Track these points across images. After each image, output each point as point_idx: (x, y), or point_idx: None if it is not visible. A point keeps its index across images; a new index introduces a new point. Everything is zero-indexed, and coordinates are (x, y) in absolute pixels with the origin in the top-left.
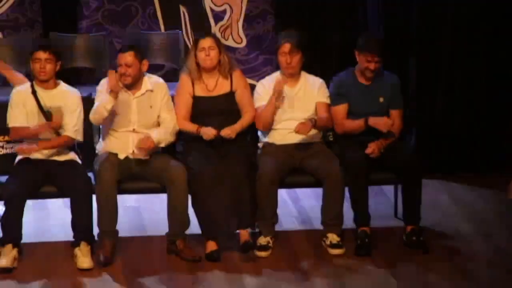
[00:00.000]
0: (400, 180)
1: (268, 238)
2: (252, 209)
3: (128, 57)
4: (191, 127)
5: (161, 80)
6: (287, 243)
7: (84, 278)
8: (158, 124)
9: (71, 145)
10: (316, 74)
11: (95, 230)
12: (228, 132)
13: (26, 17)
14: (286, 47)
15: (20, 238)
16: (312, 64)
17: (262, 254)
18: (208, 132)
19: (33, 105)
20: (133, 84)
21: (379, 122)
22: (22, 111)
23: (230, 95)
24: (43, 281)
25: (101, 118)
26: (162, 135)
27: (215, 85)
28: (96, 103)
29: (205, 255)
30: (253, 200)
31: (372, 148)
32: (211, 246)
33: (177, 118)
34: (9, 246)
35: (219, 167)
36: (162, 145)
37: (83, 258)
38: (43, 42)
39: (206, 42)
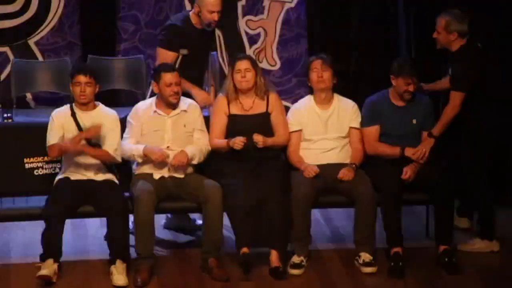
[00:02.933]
0: (432, 200)
1: (301, 258)
2: (285, 230)
3: (176, 76)
4: (221, 143)
5: (194, 102)
6: (320, 262)
7: None
8: (191, 143)
9: (108, 166)
10: (348, 97)
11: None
12: (260, 138)
13: (66, 41)
14: (317, 63)
15: (60, 254)
16: (344, 87)
17: (295, 272)
18: (237, 141)
19: (72, 127)
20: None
21: (415, 151)
22: (60, 132)
23: (266, 115)
24: None
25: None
26: (196, 152)
27: (251, 106)
28: (128, 139)
29: (239, 263)
30: (287, 220)
31: (408, 174)
32: (244, 250)
33: (210, 137)
34: (50, 260)
35: (255, 184)
36: (195, 162)
37: (118, 275)
38: (83, 65)
39: (242, 64)
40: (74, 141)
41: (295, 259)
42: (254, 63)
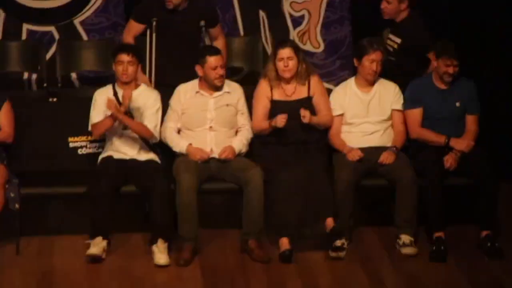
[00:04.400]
0: (475, 185)
1: (343, 240)
2: (327, 213)
3: (221, 59)
4: (264, 125)
5: (237, 84)
6: (361, 245)
7: (161, 273)
8: (233, 124)
9: (151, 145)
10: (390, 79)
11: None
12: (307, 113)
13: (110, 21)
14: (378, 55)
15: (108, 231)
16: (388, 69)
17: (337, 254)
18: (279, 119)
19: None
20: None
21: (461, 145)
22: (102, 112)
23: (308, 100)
24: (122, 271)
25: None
26: (242, 145)
27: (293, 91)
28: (168, 123)
29: (278, 255)
30: (330, 203)
31: (449, 163)
32: (285, 245)
33: (253, 121)
34: (99, 238)
35: (297, 168)
36: (242, 154)
37: (160, 254)
38: (125, 45)
39: (285, 53)
40: (117, 109)
41: (337, 242)
42: (296, 50)
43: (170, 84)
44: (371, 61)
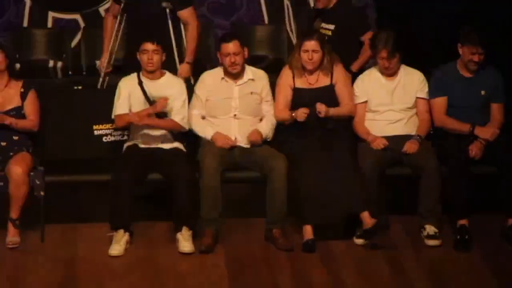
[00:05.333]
0: (500, 173)
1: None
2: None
3: (234, 46)
4: (285, 115)
5: (262, 71)
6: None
7: (185, 262)
8: (258, 112)
9: (176, 134)
10: (417, 67)
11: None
12: (323, 107)
13: None
14: (384, 52)
15: (130, 223)
16: (413, 57)
17: (361, 241)
18: (299, 112)
19: (139, 95)
20: (239, 73)
21: (486, 133)
22: (127, 101)
23: (330, 87)
24: (145, 259)
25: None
26: (269, 130)
27: (316, 80)
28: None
29: (302, 244)
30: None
31: (474, 151)
32: (308, 234)
33: (275, 109)
34: (121, 231)
35: (322, 155)
36: (268, 139)
37: (185, 242)
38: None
39: (310, 45)
40: (141, 115)
41: (361, 230)
42: (322, 43)
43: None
44: (380, 58)
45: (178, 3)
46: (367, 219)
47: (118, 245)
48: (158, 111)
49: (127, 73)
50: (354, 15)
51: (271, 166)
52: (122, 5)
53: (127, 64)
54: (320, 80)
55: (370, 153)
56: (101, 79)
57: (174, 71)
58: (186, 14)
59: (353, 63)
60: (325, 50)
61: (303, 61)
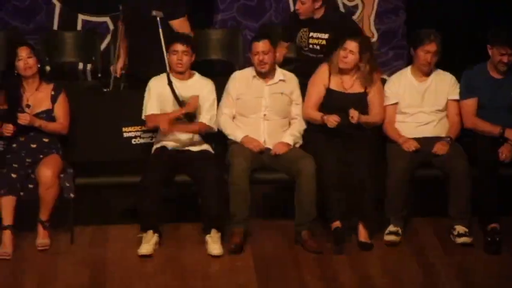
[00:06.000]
0: None
1: (397, 227)
2: (375, 204)
3: (264, 45)
4: (316, 116)
5: (292, 74)
6: (414, 234)
7: (213, 263)
8: (287, 113)
9: (204, 136)
10: (445, 69)
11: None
12: (356, 114)
13: None
14: (433, 46)
15: (158, 223)
16: (443, 60)
17: (392, 238)
18: (331, 119)
19: (168, 95)
20: (269, 72)
21: None
22: (157, 101)
23: (363, 95)
24: (173, 261)
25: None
26: (297, 138)
27: (351, 85)
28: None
29: (332, 233)
30: (377, 194)
31: (504, 154)
32: (336, 224)
33: (305, 106)
34: (150, 232)
35: (346, 158)
36: (297, 145)
37: (214, 245)
38: (180, 35)
39: (350, 45)
40: (169, 124)
41: (391, 228)
42: (363, 47)
43: (133, 74)
44: (425, 52)
45: (169, 13)
46: (362, 231)
47: (148, 245)
48: (190, 111)
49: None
50: (346, 22)
51: (299, 169)
52: (121, 10)
53: (128, 71)
54: (355, 86)
55: (400, 154)
56: (111, 83)
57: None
58: (177, 24)
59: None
60: (364, 56)
61: (339, 58)
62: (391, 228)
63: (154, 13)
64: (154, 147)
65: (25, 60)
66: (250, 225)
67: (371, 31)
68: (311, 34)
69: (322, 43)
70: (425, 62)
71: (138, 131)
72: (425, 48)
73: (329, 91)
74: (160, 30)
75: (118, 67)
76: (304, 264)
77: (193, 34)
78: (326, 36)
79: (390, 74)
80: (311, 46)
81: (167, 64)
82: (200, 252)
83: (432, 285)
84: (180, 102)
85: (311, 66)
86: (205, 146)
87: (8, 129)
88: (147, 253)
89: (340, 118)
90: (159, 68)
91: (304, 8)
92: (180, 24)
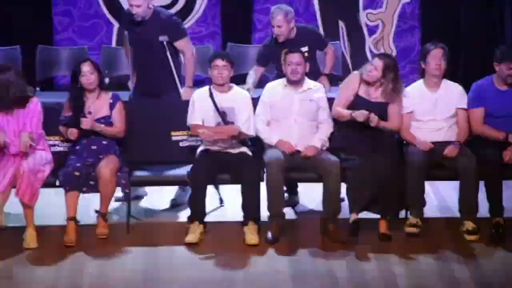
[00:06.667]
0: None
1: (417, 219)
2: (397, 199)
3: (297, 57)
4: (344, 113)
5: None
6: (429, 230)
7: (251, 253)
8: (315, 117)
9: (242, 140)
10: (457, 82)
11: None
12: (375, 118)
13: (209, 30)
14: (440, 51)
15: (204, 216)
16: (454, 73)
17: (412, 229)
18: (360, 114)
19: (210, 106)
20: (299, 81)
21: None
22: (199, 111)
23: (384, 105)
24: (219, 253)
25: None
26: (324, 142)
27: (376, 95)
28: (260, 117)
29: (350, 224)
30: (399, 191)
31: (508, 156)
32: (354, 216)
33: (334, 106)
34: (196, 223)
35: (371, 158)
36: (324, 148)
37: (251, 235)
38: (221, 51)
39: (377, 63)
40: (211, 136)
41: (412, 220)
42: (387, 68)
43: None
44: (433, 57)
45: (174, 36)
46: (382, 225)
47: (194, 234)
48: (223, 136)
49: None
50: (314, 33)
51: (326, 169)
52: (126, 34)
53: (136, 86)
54: (379, 96)
55: (417, 154)
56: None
57: (177, 95)
58: (181, 44)
59: (326, 69)
60: (388, 75)
61: (366, 71)
62: (411, 220)
63: (161, 38)
64: (199, 149)
65: (88, 76)
66: (284, 219)
67: (390, 48)
68: (290, 54)
69: (306, 55)
70: (436, 66)
71: (185, 135)
72: (433, 54)
73: (356, 97)
74: (168, 52)
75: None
76: (330, 253)
77: (193, 52)
78: (306, 48)
79: (406, 86)
80: None
81: (176, 80)
82: (240, 242)
83: (446, 273)
84: (220, 112)
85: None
86: (243, 149)
87: (73, 133)
88: (193, 241)
89: (367, 114)
90: (169, 84)
91: (283, 30)
92: (184, 44)
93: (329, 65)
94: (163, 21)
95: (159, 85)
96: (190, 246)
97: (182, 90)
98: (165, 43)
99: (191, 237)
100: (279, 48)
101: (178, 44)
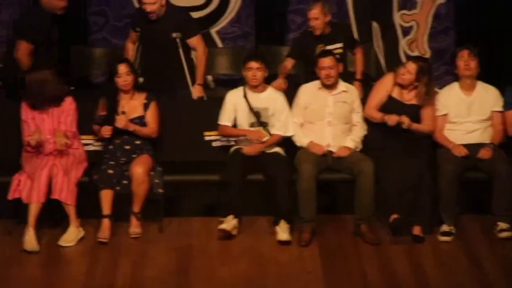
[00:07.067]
0: None
1: (451, 227)
2: (431, 205)
3: (330, 61)
4: (377, 115)
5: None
6: (464, 231)
7: (283, 252)
8: (349, 120)
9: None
10: (492, 84)
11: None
12: (406, 120)
13: (242, 30)
14: (465, 52)
15: (239, 210)
16: (489, 75)
17: (445, 238)
18: (392, 117)
19: (244, 107)
20: (333, 84)
21: None
22: (231, 112)
23: (417, 107)
24: (251, 251)
25: None
26: (357, 143)
27: (409, 97)
28: (295, 119)
29: (391, 223)
30: (433, 196)
31: None
32: (394, 216)
33: (367, 107)
34: (230, 216)
35: (405, 160)
36: (357, 149)
37: (282, 233)
38: (255, 53)
39: (410, 66)
40: (245, 135)
41: (445, 227)
42: (421, 71)
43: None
44: (461, 58)
45: (186, 33)
46: (416, 227)
47: (227, 224)
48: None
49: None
50: (350, 30)
51: (359, 169)
52: (139, 32)
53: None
54: (412, 99)
55: (450, 158)
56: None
57: (187, 92)
58: (194, 41)
59: (357, 74)
60: (422, 78)
61: (399, 74)
62: (445, 228)
63: (173, 35)
64: (232, 149)
65: (124, 77)
66: (316, 221)
67: (425, 49)
68: (328, 47)
69: (340, 51)
70: (464, 66)
71: (217, 135)
72: (460, 55)
73: (390, 98)
74: (180, 49)
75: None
76: (363, 254)
77: (206, 49)
78: (341, 45)
79: (441, 87)
80: None
81: (188, 77)
82: (273, 242)
83: (480, 275)
84: (254, 112)
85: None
86: (277, 149)
87: (107, 130)
88: (226, 229)
89: (399, 118)
90: (181, 81)
91: (319, 23)
92: (197, 41)
93: (359, 69)
94: (176, 18)
95: (170, 82)
96: (225, 245)
97: (192, 88)
98: (177, 40)
99: (225, 225)
100: (314, 41)
101: (191, 41)
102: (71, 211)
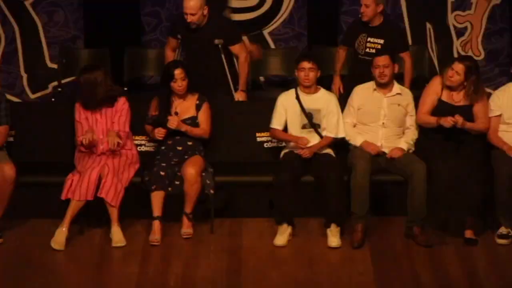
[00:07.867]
0: None
1: (508, 229)
2: (480, 206)
3: (385, 60)
4: (430, 120)
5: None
6: None
7: (334, 255)
8: (402, 123)
9: None
10: None
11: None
12: (460, 119)
13: (295, 31)
14: None
15: (292, 217)
16: None
17: (502, 241)
18: (448, 119)
19: (296, 108)
20: (388, 84)
21: None
22: (282, 115)
23: (469, 107)
24: (302, 254)
25: None
26: (410, 146)
27: (459, 99)
28: (347, 119)
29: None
30: (483, 197)
31: None
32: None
33: (419, 112)
34: (285, 225)
35: (457, 162)
36: (410, 151)
37: (333, 238)
38: (307, 53)
39: (457, 66)
40: (295, 141)
41: (502, 229)
42: (469, 70)
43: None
44: None
45: (229, 40)
46: (468, 230)
47: (282, 236)
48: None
49: None
50: (399, 33)
51: (412, 171)
52: (180, 40)
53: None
54: (462, 100)
55: (505, 160)
56: None
57: (229, 98)
58: (236, 48)
59: (405, 82)
60: (470, 78)
61: (447, 76)
62: (502, 230)
63: (216, 41)
64: (283, 151)
65: (180, 82)
66: (368, 220)
67: (479, 50)
68: (369, 39)
69: (378, 47)
70: None
71: (269, 136)
72: None
73: (440, 102)
74: (222, 55)
75: None
76: (415, 256)
77: (248, 56)
78: (381, 41)
79: (495, 89)
80: (367, 50)
81: (230, 82)
82: (324, 244)
83: None
84: (306, 114)
85: (366, 69)
86: (328, 150)
87: (160, 132)
88: (282, 244)
89: (456, 119)
90: (222, 87)
91: (368, 11)
92: (239, 48)
93: (407, 78)
94: (219, 25)
95: (211, 88)
96: (273, 245)
97: (235, 94)
98: (220, 46)
99: (280, 240)
100: (359, 28)
101: (233, 48)
102: (113, 212)
